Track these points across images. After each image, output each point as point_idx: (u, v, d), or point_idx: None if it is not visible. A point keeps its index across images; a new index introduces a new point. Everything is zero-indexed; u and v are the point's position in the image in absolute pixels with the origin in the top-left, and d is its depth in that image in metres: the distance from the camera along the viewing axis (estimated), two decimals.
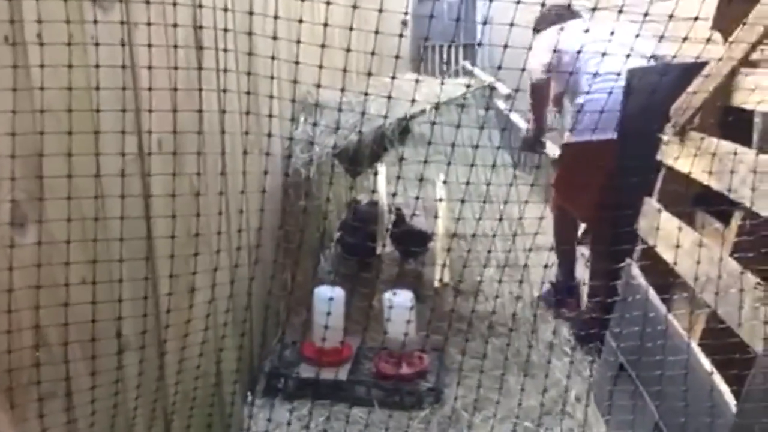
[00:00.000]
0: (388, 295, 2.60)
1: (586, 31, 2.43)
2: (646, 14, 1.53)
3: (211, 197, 1.76)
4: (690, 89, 2.11)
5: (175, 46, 1.45)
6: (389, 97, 1.72)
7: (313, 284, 2.79)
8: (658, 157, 2.27)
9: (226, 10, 1.39)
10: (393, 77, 1.44)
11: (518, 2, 1.53)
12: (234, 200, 1.93)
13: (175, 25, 1.45)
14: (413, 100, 1.83)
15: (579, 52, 2.54)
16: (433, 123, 1.63)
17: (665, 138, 2.23)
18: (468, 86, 3.09)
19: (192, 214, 1.56)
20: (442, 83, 3.20)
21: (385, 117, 1.84)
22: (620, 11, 1.57)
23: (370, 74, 1.53)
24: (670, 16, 1.54)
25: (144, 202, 1.55)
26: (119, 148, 1.43)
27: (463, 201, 2.00)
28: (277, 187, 2.51)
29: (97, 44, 1.30)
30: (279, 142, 2.48)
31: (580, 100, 2.76)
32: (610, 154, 2.53)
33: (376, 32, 1.39)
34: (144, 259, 1.48)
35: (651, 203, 2.23)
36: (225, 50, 1.50)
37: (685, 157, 2.08)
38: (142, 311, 1.48)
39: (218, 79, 1.72)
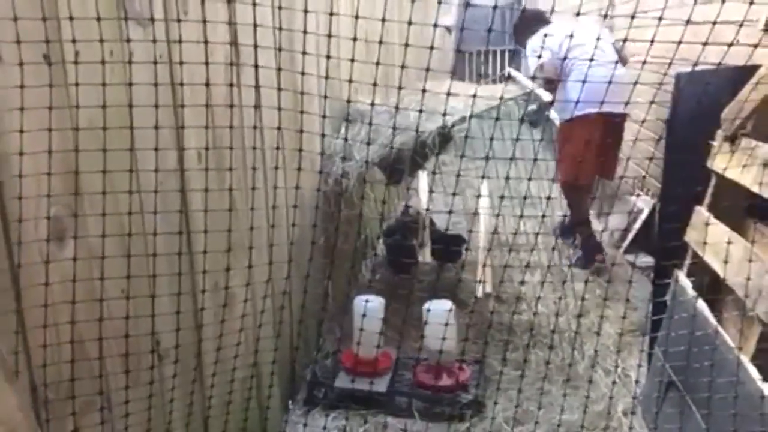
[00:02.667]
0: (427, 304, 2.56)
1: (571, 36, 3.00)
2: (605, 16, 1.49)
3: (257, 211, 1.77)
4: (741, 94, 2.03)
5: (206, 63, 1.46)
6: (420, 111, 1.71)
7: (354, 293, 2.78)
8: (709, 164, 2.18)
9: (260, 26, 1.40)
10: (423, 90, 1.42)
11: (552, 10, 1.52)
12: (280, 214, 1.94)
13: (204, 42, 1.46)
14: (443, 113, 1.79)
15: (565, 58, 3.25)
16: (466, 136, 1.58)
17: (716, 145, 2.15)
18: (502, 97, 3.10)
19: (232, 229, 1.57)
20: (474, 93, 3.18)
21: (417, 131, 1.81)
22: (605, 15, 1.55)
23: (400, 87, 1.50)
24: (660, 17, 1.48)
25: (184, 216, 1.57)
26: (159, 164, 1.45)
27: (498, 214, 1.98)
28: (317, 199, 2.52)
29: (129, 62, 1.32)
30: (318, 155, 2.49)
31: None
32: (594, 125, 3.28)
33: (432, 47, 1.37)
34: (178, 274, 1.49)
35: (701, 213, 2.15)
36: (256, 66, 1.50)
37: (737, 165, 2.00)
38: (180, 324, 1.49)
39: (258, 95, 1.73)
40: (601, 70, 2.97)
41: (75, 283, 1.25)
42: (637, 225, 3.62)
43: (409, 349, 2.65)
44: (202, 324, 1.55)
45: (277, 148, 1.53)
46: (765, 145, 1.90)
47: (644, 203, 3.71)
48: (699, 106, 2.22)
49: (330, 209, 2.67)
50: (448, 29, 5.35)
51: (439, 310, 2.50)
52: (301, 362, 2.58)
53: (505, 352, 2.72)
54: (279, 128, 1.45)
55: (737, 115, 2.04)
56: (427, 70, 1.25)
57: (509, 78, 4.16)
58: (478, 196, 1.91)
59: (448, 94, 1.36)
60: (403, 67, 1.27)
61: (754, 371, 1.64)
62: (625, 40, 3.28)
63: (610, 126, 3.36)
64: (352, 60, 1.32)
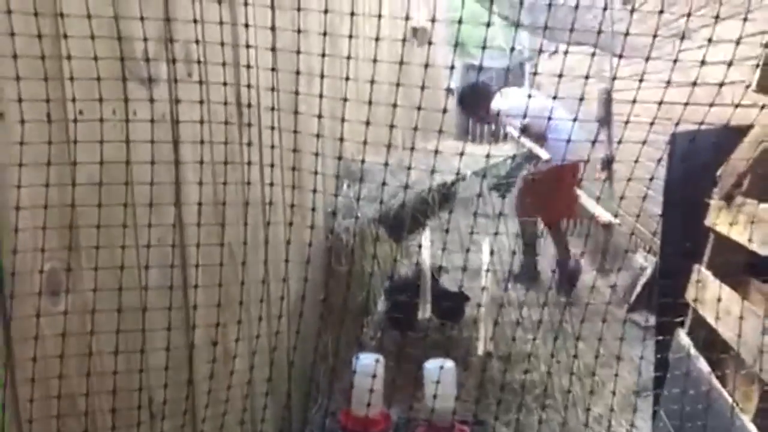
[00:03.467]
0: (429, 364, 2.53)
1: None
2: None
3: (251, 266, 1.78)
4: (736, 153, 2.06)
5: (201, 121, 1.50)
6: (433, 171, 1.75)
7: (355, 351, 2.76)
8: (707, 222, 2.19)
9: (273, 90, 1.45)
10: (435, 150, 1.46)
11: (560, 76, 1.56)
12: (276, 269, 1.95)
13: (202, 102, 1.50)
14: (432, 170, 1.83)
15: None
16: (454, 193, 1.59)
17: (712, 203, 2.16)
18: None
19: (228, 284, 1.58)
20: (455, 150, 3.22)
21: (405, 187, 1.84)
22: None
23: (412, 148, 1.55)
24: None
25: (182, 250, 1.58)
26: (158, 219, 1.47)
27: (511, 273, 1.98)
28: (319, 255, 2.53)
29: (127, 120, 1.36)
30: (321, 212, 2.52)
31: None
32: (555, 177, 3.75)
33: (419, 108, 1.41)
34: (167, 329, 1.50)
35: (700, 271, 2.15)
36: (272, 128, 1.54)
37: (734, 223, 2.01)
38: (178, 379, 1.49)
39: (261, 154, 1.77)
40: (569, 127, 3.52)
41: (69, 337, 1.25)
42: (641, 283, 3.61)
43: (408, 409, 2.61)
44: (195, 379, 1.54)
45: (270, 203, 1.56)
46: (759, 203, 1.91)
47: (647, 261, 3.70)
48: (695, 165, 2.25)
49: (330, 266, 2.68)
50: (451, 90, 5.48)
51: (438, 369, 2.47)
52: (299, 422, 2.54)
53: (499, 412, 2.67)
54: (271, 184, 1.48)
55: (732, 174, 2.07)
56: (415, 129, 1.28)
57: (509, 137, 4.23)
58: (467, 250, 1.91)
59: (436, 152, 1.39)
60: (391, 127, 1.31)
61: (754, 430, 1.61)
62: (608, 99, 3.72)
63: (574, 171, 4.01)
64: (343, 120, 1.36)
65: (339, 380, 2.85)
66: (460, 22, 1.43)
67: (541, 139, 3.95)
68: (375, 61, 1.27)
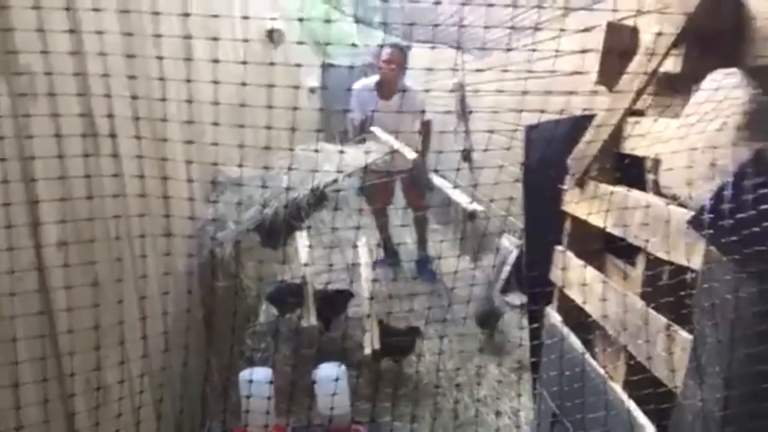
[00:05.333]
0: (316, 370, 2.54)
1: None
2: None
3: (126, 304, 1.68)
4: (583, 141, 2.21)
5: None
6: (313, 188, 1.74)
7: (240, 366, 2.70)
8: (563, 207, 2.34)
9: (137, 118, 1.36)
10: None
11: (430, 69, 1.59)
12: (152, 303, 1.86)
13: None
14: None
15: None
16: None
17: (566, 188, 2.31)
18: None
19: (102, 325, 1.49)
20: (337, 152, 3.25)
21: (286, 206, 1.83)
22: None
23: (290, 168, 1.53)
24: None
25: (46, 296, 1.46)
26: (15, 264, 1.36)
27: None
28: (189, 272, 2.45)
29: None
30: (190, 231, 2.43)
31: None
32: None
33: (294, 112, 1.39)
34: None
35: (561, 252, 2.29)
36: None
37: (586, 206, 2.16)
38: (47, 416, 1.38)
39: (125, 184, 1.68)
40: None
41: None
42: (508, 267, 3.78)
43: (302, 418, 2.60)
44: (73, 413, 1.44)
45: (142, 236, 1.49)
46: (608, 186, 2.07)
47: (512, 244, 3.89)
48: (548, 154, 2.39)
49: (206, 282, 2.61)
50: (312, 90, 5.46)
51: (329, 373, 2.47)
52: None
53: (393, 407, 2.74)
54: (142, 215, 1.41)
55: (581, 161, 2.22)
56: (292, 140, 1.27)
57: (375, 137, 4.28)
58: (352, 265, 1.93)
59: (318, 163, 1.39)
60: (267, 147, 1.29)
61: (627, 400, 1.75)
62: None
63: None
64: (216, 144, 1.33)
65: (228, 398, 2.79)
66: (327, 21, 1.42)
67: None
68: (243, 84, 1.24)
